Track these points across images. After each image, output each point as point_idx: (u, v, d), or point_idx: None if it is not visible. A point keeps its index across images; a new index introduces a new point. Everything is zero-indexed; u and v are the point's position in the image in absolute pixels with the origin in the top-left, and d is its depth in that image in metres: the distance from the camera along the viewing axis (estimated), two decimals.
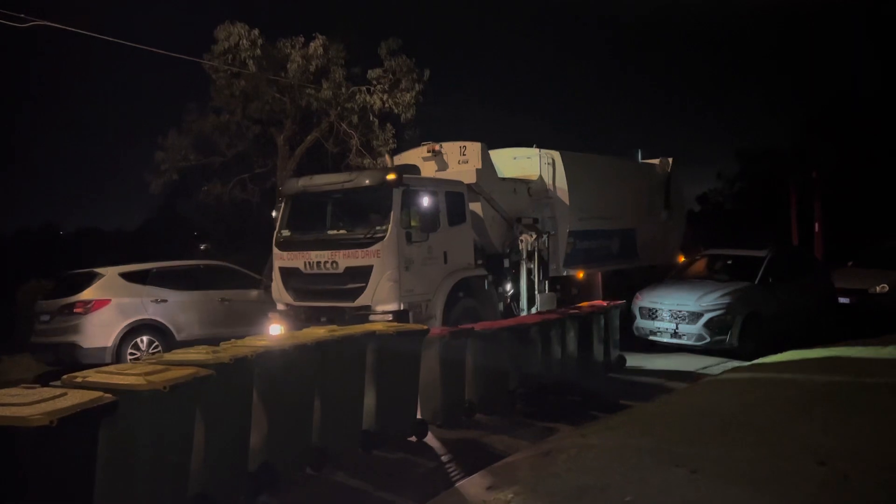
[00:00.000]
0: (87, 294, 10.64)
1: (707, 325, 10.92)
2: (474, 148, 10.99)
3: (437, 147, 11.34)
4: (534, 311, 10.98)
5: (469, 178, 10.62)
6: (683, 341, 11.21)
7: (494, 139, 12.61)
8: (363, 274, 9.09)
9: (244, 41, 15.63)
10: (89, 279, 10.88)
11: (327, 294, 9.44)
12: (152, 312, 10.90)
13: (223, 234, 24.51)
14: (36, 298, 12.11)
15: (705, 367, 10.35)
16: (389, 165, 12.18)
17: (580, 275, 12.34)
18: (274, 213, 10.51)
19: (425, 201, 9.61)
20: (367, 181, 9.50)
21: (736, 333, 10.90)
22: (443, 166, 11.21)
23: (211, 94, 17.01)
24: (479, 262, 10.58)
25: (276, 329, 9.49)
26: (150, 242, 27.40)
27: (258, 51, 15.76)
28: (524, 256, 11.17)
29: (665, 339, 11.42)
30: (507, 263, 11.19)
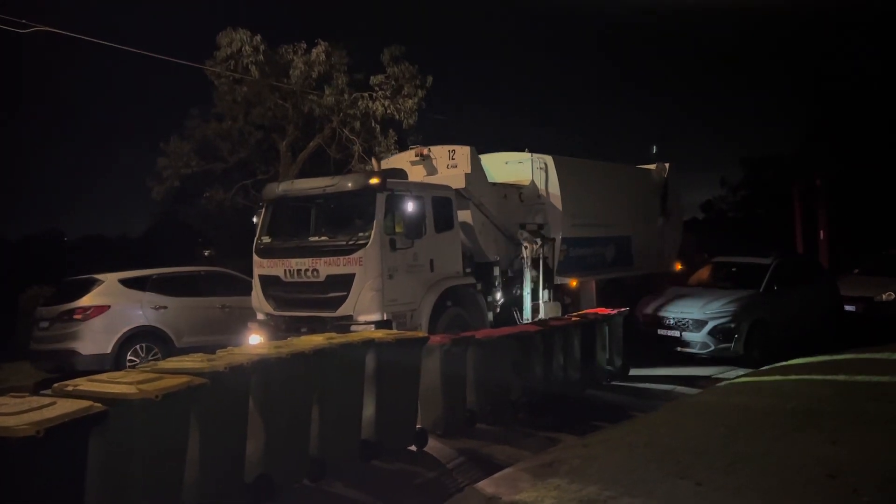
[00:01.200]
0: (86, 300, 10.58)
1: (712, 332, 10.81)
2: (463, 152, 10.73)
3: (425, 151, 11.08)
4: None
5: (458, 182, 10.33)
6: (688, 349, 11.09)
7: (497, 145, 12.52)
8: (345, 282, 8.82)
9: (246, 47, 15.67)
10: (88, 285, 10.83)
11: (308, 303, 9.16)
12: (152, 319, 10.83)
13: (227, 240, 24.50)
14: (36, 305, 12.06)
15: (710, 376, 10.22)
16: (376, 169, 11.92)
17: (573, 283, 12.05)
18: (255, 219, 10.24)
19: (410, 207, 9.27)
20: (349, 185, 9.26)
21: (741, 341, 10.79)
22: (431, 171, 10.95)
23: (213, 100, 17.06)
24: (468, 269, 10.28)
25: (255, 339, 9.20)
26: (155, 249, 27.34)
27: (261, 57, 15.80)
28: (528, 264, 10.94)
29: (669, 347, 11.30)
30: (496, 271, 10.85)
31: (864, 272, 15.32)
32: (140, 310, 10.80)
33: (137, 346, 10.66)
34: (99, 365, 9.85)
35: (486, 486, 5.39)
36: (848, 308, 13.45)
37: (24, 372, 11.71)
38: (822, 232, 23.80)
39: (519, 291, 11.06)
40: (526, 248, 10.88)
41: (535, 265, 11.00)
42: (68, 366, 10.19)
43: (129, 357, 10.49)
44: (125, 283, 10.96)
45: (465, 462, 6.42)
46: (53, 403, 3.63)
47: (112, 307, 10.59)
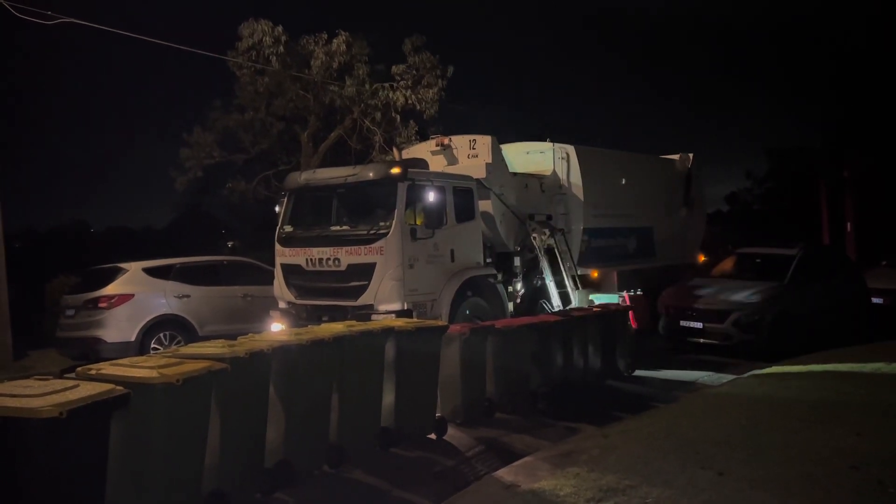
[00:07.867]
0: (110, 289, 10.72)
1: (735, 323, 10.69)
2: (484, 142, 10.70)
3: (446, 140, 11.06)
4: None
5: (478, 172, 10.30)
6: (711, 340, 10.98)
7: (518, 136, 12.44)
8: (366, 272, 8.85)
9: (268, 38, 15.71)
10: (113, 274, 10.97)
11: (329, 292, 9.21)
12: (175, 308, 10.95)
13: (250, 230, 24.69)
14: (63, 293, 12.24)
15: (732, 366, 10.10)
16: (397, 159, 11.93)
17: (594, 274, 11.97)
18: (277, 208, 10.29)
19: (431, 197, 9.25)
20: (370, 175, 9.27)
21: (764, 333, 10.64)
22: (452, 160, 10.93)
23: (235, 92, 17.15)
24: (489, 259, 10.25)
25: (276, 328, 9.24)
26: (180, 239, 27.63)
27: (282, 48, 15.82)
28: (542, 254, 10.86)
29: (692, 338, 11.20)
30: (517, 261, 10.81)
31: (892, 264, 15.06)
32: (163, 298, 10.93)
33: (161, 335, 10.79)
34: (123, 353, 9.97)
35: (504, 474, 5.39)
36: (875, 300, 13.23)
37: (50, 359, 11.91)
38: (849, 224, 23.43)
39: (540, 282, 11.02)
40: (535, 238, 10.83)
41: (547, 255, 10.93)
42: (93, 353, 10.31)
43: (152, 345, 10.62)
44: (149, 272, 11.09)
45: (484, 451, 6.42)
46: (77, 386, 3.69)
47: (136, 296, 10.73)
